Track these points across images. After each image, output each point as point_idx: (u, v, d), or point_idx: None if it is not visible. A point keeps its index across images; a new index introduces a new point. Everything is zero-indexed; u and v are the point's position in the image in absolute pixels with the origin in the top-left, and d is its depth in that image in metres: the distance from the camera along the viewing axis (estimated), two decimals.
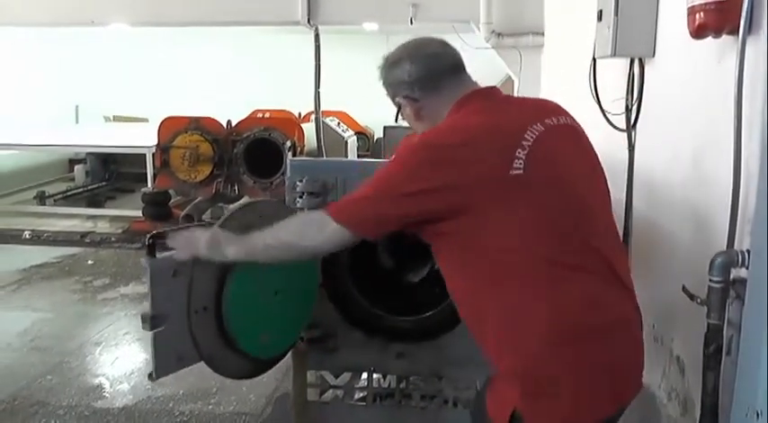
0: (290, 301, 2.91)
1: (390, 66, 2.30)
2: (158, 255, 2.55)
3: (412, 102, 2.27)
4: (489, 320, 2.11)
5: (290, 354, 3.50)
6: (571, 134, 2.24)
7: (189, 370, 5.07)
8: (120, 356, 5.77)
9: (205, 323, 2.67)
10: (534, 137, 2.05)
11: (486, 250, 2.05)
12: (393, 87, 2.31)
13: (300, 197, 3.27)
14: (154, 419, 4.66)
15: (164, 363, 2.65)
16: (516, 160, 1.99)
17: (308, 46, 9.82)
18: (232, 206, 2.80)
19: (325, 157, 9.26)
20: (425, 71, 2.21)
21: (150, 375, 2.65)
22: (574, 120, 2.30)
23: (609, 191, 2.32)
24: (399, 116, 2.40)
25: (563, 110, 2.30)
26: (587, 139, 2.30)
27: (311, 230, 2.20)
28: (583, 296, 2.04)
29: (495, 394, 2.20)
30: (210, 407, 4.82)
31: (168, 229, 2.66)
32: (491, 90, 2.27)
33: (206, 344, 2.69)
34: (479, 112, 2.16)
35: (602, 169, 2.30)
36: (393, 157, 2.18)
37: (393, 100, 2.34)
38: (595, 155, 2.30)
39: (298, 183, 3.27)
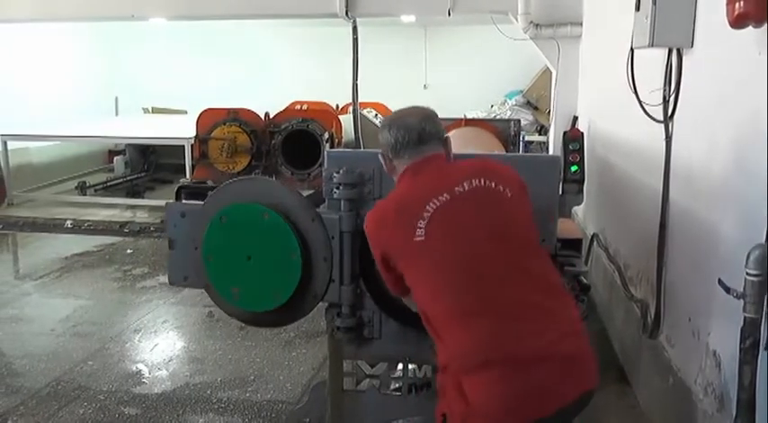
0: (262, 269, 3.31)
1: (381, 129, 2.81)
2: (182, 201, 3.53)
3: (387, 160, 2.79)
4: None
5: (326, 343, 3.56)
6: (478, 196, 2.55)
7: (227, 359, 5.28)
8: (159, 343, 5.87)
9: (200, 260, 3.41)
10: (435, 207, 2.50)
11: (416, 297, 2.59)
12: (380, 145, 2.80)
13: (338, 188, 3.29)
14: (192, 406, 4.73)
15: (174, 275, 3.62)
16: (418, 229, 2.48)
17: (347, 38, 9.83)
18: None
19: (362, 149, 9.26)
20: (394, 141, 2.70)
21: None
22: (495, 178, 2.59)
23: (530, 234, 2.60)
24: None
25: (489, 171, 2.62)
26: (504, 194, 2.58)
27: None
28: (479, 337, 2.34)
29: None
30: (248, 394, 4.89)
31: (195, 182, 3.48)
32: (426, 162, 2.68)
33: (201, 277, 3.44)
34: (403, 185, 2.71)
35: (518, 216, 2.59)
36: None
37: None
38: (511, 205, 2.58)
39: (335, 174, 3.29)
